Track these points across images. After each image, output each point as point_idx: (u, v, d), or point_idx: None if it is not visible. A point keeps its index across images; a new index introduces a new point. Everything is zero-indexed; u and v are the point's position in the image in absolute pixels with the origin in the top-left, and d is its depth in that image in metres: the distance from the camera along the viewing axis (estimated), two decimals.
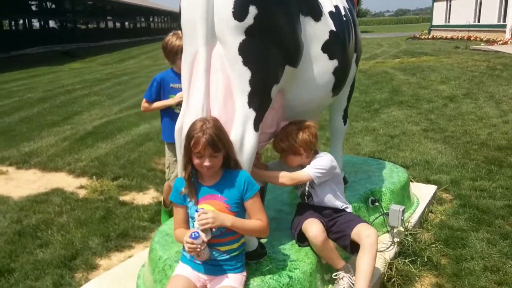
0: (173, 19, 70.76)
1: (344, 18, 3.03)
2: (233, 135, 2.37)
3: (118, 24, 46.95)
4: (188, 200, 2.28)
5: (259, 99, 2.41)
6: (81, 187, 5.15)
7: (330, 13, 2.87)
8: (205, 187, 2.28)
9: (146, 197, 4.81)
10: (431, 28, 35.42)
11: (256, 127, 2.43)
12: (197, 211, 2.21)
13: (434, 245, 3.38)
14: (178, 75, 3.30)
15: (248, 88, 2.36)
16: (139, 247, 3.74)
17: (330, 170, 2.76)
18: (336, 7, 2.99)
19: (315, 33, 2.68)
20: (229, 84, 2.38)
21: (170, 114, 3.52)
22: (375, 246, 2.57)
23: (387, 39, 32.97)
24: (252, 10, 2.29)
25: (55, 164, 5.94)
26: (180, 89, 3.34)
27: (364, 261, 2.55)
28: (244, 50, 2.31)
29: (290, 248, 2.75)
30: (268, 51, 2.38)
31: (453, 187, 4.62)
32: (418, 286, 3.01)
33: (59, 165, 5.90)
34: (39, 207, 4.53)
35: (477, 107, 8.31)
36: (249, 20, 2.28)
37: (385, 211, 3.44)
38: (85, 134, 7.47)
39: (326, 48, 2.74)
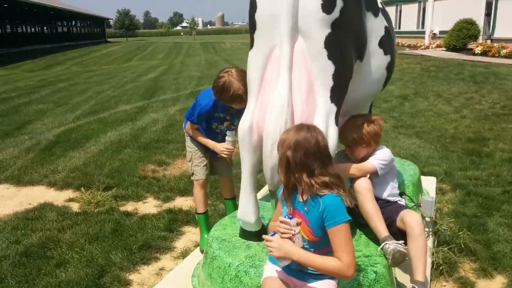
0: (95, 24, 67.84)
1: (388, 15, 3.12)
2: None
3: (37, 29, 43.98)
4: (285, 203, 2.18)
5: (340, 93, 2.40)
6: (71, 200, 4.75)
7: (382, 9, 2.94)
8: (298, 200, 2.09)
9: (148, 206, 4.55)
10: None
11: (337, 121, 2.42)
12: (289, 217, 2.11)
13: (461, 232, 3.57)
14: (224, 106, 3.13)
15: (331, 83, 2.34)
16: (166, 258, 3.53)
17: (390, 162, 2.82)
18: (382, 3, 3.07)
19: (374, 28, 2.73)
20: (311, 79, 2.34)
21: None
22: (422, 231, 2.56)
23: None
24: (339, 3, 2.28)
25: (30, 177, 5.41)
26: (222, 118, 3.24)
27: (415, 247, 2.52)
28: (329, 44, 2.29)
29: (360, 243, 2.75)
30: (348, 45, 2.39)
31: (447, 177, 4.91)
32: (462, 272, 3.16)
33: (35, 178, 5.39)
34: (34, 224, 4.10)
35: (431, 104, 8.91)
36: (336, 13, 2.27)
37: (415, 202, 3.56)
38: (49, 144, 6.90)
39: (382, 43, 2.80)
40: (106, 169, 5.62)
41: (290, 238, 2.05)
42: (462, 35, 19.19)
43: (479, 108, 8.32)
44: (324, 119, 2.35)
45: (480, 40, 19.57)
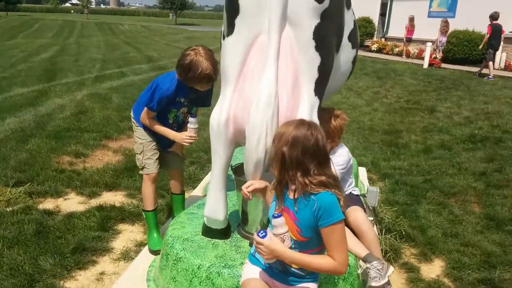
0: None
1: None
2: None
3: None
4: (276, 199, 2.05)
5: (323, 86, 2.33)
6: None
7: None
8: (288, 197, 1.99)
9: (71, 203, 4.07)
10: None
11: (317, 116, 2.34)
12: (274, 216, 1.99)
13: (399, 220, 3.77)
14: (187, 89, 2.88)
15: (316, 75, 2.26)
16: (105, 260, 3.18)
17: (347, 163, 2.85)
18: None
19: (347, 20, 2.70)
20: (297, 70, 2.23)
21: None
22: (369, 226, 2.69)
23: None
24: None
25: None
26: (181, 104, 2.98)
27: (366, 243, 2.61)
28: (318, 35, 2.20)
29: None
30: (332, 37, 2.32)
31: (374, 168, 5.17)
32: (405, 257, 3.33)
33: None
34: None
35: (344, 97, 9.35)
36: (326, 2, 2.18)
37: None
38: None
39: (350, 36, 2.78)
40: (12, 162, 4.93)
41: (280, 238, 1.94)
42: (360, 33, 20.52)
43: (387, 102, 8.93)
44: (309, 113, 2.26)
45: (375, 38, 21.12)
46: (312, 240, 1.95)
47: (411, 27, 16.60)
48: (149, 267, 2.90)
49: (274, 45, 2.14)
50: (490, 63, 12.15)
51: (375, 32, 21.22)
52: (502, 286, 2.90)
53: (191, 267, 2.40)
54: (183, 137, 2.96)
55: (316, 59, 2.23)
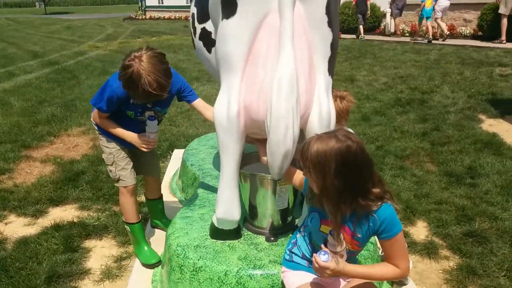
0: None
1: None
2: (325, 108, 2.13)
3: None
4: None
5: (334, 64, 2.21)
6: None
7: None
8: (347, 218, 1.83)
9: (16, 226, 3.50)
10: (146, 9, 36.38)
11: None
12: (332, 233, 1.84)
13: None
14: None
15: (329, 53, 2.13)
16: (87, 284, 2.79)
17: None
18: None
19: None
20: (311, 50, 2.08)
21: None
22: None
23: (103, 20, 31.87)
24: None
25: None
26: (141, 106, 2.59)
27: None
28: (329, 9, 2.06)
29: None
30: (337, 10, 2.20)
31: None
32: None
33: None
34: None
35: None
36: None
37: None
38: None
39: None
40: None
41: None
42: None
43: None
44: (327, 95, 2.14)
45: None
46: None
47: None
48: (152, 283, 2.60)
49: (289, 25, 1.94)
50: (361, 26, 14.66)
51: None
52: (486, 235, 3.11)
53: (216, 275, 2.18)
54: (140, 142, 2.58)
55: (329, 35, 2.10)
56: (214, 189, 3.06)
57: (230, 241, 2.41)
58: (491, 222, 3.27)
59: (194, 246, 2.36)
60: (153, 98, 2.30)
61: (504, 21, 11.24)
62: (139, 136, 2.61)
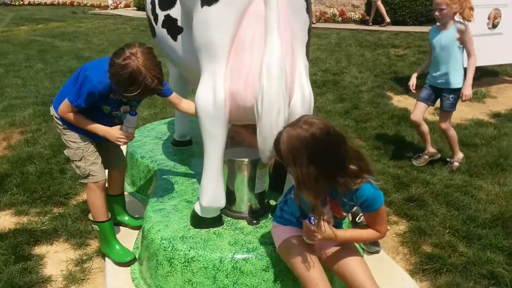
0: None
1: None
2: (307, 91, 2.24)
3: None
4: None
5: (309, 47, 2.31)
6: None
7: None
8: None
9: None
10: None
11: None
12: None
13: None
14: None
15: (306, 38, 2.25)
16: None
17: None
18: None
19: None
20: (292, 35, 2.16)
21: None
22: None
23: None
24: None
25: None
26: (118, 101, 2.47)
27: None
28: None
29: None
30: None
31: None
32: None
33: None
34: None
35: None
36: None
37: None
38: None
39: None
40: None
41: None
42: None
43: None
44: (307, 78, 2.24)
45: None
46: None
47: None
48: (133, 281, 2.51)
49: (275, 11, 2.00)
50: None
51: None
52: (423, 199, 3.50)
53: (211, 263, 2.20)
54: (117, 136, 2.45)
55: (307, 21, 2.20)
56: (176, 180, 3.02)
57: (214, 229, 2.42)
58: (424, 187, 3.69)
59: (180, 237, 2.34)
60: (151, 93, 2.23)
61: (379, 4, 12.24)
62: (115, 129, 2.47)
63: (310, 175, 1.79)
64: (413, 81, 4.01)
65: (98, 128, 2.47)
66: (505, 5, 5.95)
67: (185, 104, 2.46)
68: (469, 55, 3.68)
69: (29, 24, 16.85)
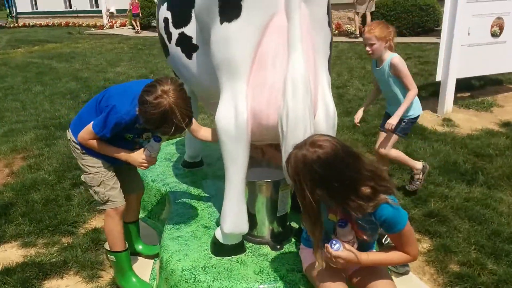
0: None
1: None
2: (331, 107, 2.14)
3: None
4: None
5: (331, 63, 2.23)
6: None
7: None
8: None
9: None
10: (18, 16, 33.12)
11: None
12: (340, 225, 1.88)
13: None
14: None
15: (328, 52, 2.17)
16: None
17: None
18: None
19: None
20: (314, 49, 2.08)
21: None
22: None
23: None
24: None
25: None
26: (141, 130, 2.40)
27: None
28: (329, 9, 2.08)
29: None
30: None
31: None
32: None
33: None
34: None
35: None
36: None
37: None
38: None
39: None
40: None
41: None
42: (146, 14, 20.03)
43: None
44: (330, 93, 2.16)
45: None
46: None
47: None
48: None
49: (298, 26, 1.92)
50: None
51: None
52: (444, 214, 3.38)
53: None
54: (140, 161, 2.36)
55: (329, 35, 2.13)
56: (190, 204, 2.90)
57: (237, 256, 2.30)
58: (443, 201, 3.58)
59: (202, 267, 2.22)
60: (181, 131, 2.14)
61: (356, 17, 12.86)
62: (138, 154, 2.38)
63: (312, 201, 1.69)
64: (359, 115, 3.74)
65: (121, 153, 2.38)
66: (508, 13, 5.92)
67: (204, 132, 2.38)
68: (408, 89, 3.33)
69: (25, 46, 16.86)
